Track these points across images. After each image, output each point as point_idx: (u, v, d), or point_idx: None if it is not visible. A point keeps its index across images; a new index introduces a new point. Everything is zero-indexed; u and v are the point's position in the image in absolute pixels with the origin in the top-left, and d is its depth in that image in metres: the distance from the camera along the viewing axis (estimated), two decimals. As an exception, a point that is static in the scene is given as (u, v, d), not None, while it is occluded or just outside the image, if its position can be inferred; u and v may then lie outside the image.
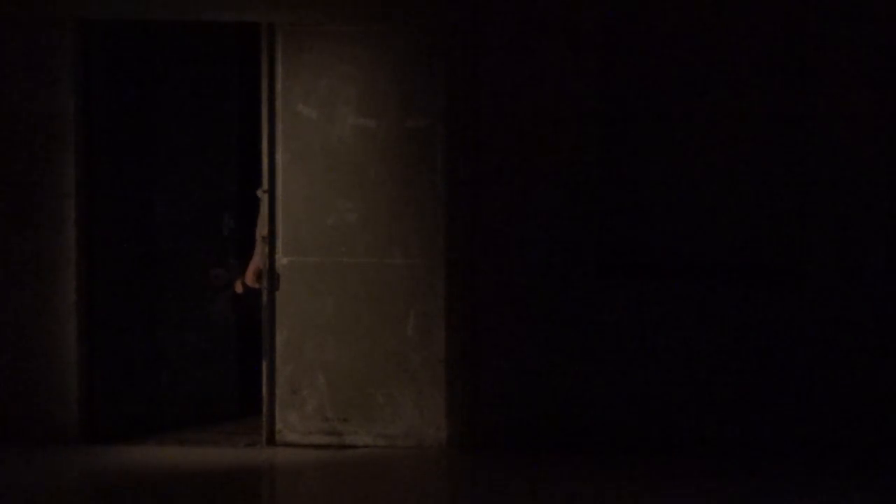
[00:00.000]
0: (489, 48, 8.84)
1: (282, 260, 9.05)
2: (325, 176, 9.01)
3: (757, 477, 8.24)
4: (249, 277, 9.31)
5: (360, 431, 9.02)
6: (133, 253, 9.34)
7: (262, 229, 9.10)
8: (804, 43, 8.78)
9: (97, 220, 9.11)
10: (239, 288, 9.45)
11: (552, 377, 8.85)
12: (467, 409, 8.89)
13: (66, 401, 8.98)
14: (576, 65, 8.82)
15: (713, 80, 8.86)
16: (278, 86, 9.00)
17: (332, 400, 9.03)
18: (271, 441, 9.06)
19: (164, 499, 7.92)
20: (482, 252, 8.88)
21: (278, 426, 9.07)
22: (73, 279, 8.97)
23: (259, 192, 9.07)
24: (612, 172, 8.88)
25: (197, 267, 9.55)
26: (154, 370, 9.44)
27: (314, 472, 8.51)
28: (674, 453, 8.74)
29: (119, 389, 9.25)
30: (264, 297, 9.07)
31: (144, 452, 8.91)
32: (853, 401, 8.76)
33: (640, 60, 8.88)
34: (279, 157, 9.03)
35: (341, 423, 9.03)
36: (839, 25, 8.72)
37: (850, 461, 8.57)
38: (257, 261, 9.22)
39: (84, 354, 9.01)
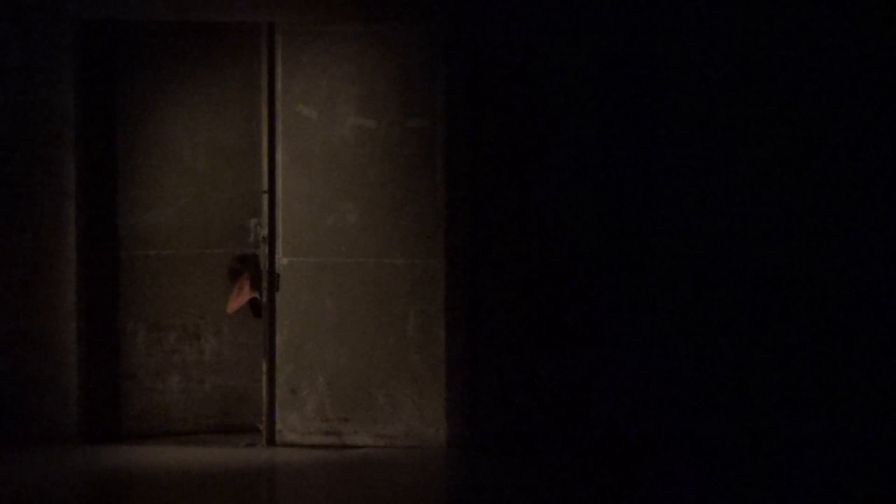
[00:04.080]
0: (489, 48, 8.84)
1: (282, 260, 9.05)
2: (325, 176, 9.01)
3: (757, 477, 8.24)
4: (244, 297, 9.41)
5: (360, 431, 9.02)
6: (134, 255, 9.34)
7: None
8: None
9: (97, 220, 9.12)
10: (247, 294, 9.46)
11: (552, 377, 8.84)
12: (467, 409, 8.88)
13: (66, 401, 8.98)
14: (576, 64, 8.82)
15: (714, 79, 8.86)
16: (278, 86, 9.01)
17: (332, 400, 9.03)
18: (271, 441, 9.06)
19: (163, 499, 7.92)
20: (482, 252, 8.88)
21: (278, 426, 9.06)
22: (72, 280, 8.97)
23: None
24: (612, 172, 8.87)
25: (205, 270, 9.54)
26: (159, 373, 9.43)
27: (314, 472, 8.50)
28: (675, 453, 8.73)
29: (119, 390, 9.25)
30: (264, 298, 9.08)
31: (144, 452, 8.91)
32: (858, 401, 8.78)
33: (641, 60, 8.87)
34: (279, 157, 9.03)
35: (341, 424, 9.03)
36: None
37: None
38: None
39: (84, 354, 9.01)
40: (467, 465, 8.65)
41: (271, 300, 9.04)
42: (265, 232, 9.05)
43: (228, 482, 8.27)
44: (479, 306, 8.89)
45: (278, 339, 9.05)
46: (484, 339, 8.88)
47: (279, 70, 9.01)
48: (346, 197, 9.01)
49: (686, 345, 8.81)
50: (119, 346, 9.29)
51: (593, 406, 8.83)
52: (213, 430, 9.50)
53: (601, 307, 8.84)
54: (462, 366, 8.89)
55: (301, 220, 9.03)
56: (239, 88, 9.51)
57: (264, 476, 8.60)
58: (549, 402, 8.85)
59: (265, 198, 9.04)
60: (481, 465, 8.61)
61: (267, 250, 9.04)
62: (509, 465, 8.56)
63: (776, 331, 8.79)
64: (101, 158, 9.15)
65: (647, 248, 8.90)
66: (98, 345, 9.14)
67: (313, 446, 9.01)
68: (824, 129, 8.79)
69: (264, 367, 9.07)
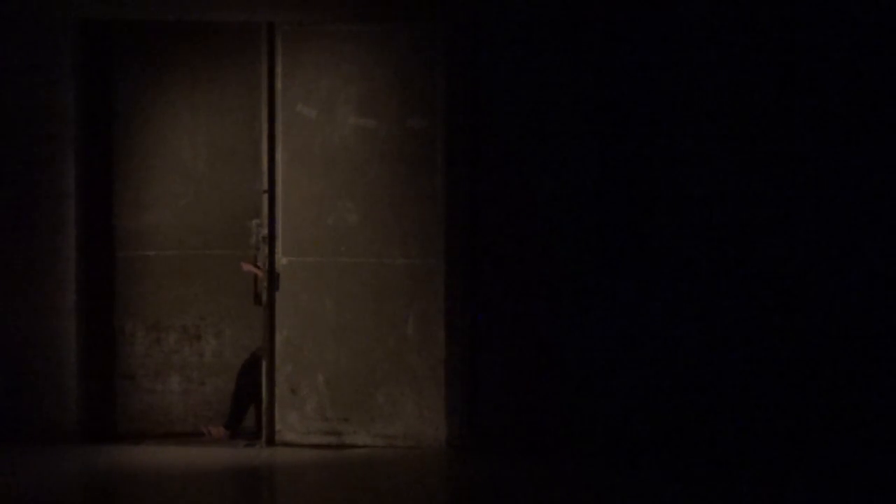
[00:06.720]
0: (489, 47, 8.85)
1: (282, 260, 9.05)
2: (325, 176, 9.01)
3: (757, 476, 8.24)
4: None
5: (359, 431, 9.02)
6: (134, 255, 9.34)
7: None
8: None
9: (97, 220, 9.12)
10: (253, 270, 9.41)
11: (551, 377, 8.84)
12: (467, 409, 8.88)
13: (66, 401, 8.98)
14: (576, 64, 8.83)
15: (713, 79, 8.86)
16: (278, 85, 9.01)
17: (332, 400, 9.02)
18: (271, 441, 9.05)
19: (163, 499, 7.91)
20: (482, 252, 8.88)
21: (278, 426, 9.06)
22: (72, 280, 8.97)
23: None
24: (611, 172, 8.87)
25: (206, 271, 9.53)
26: (159, 374, 9.43)
27: (314, 472, 8.50)
28: (674, 453, 8.73)
29: (119, 391, 9.26)
30: (264, 297, 9.08)
31: (143, 452, 8.91)
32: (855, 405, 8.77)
33: (640, 60, 8.87)
34: (279, 156, 9.04)
35: (341, 423, 9.03)
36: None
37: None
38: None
39: (84, 354, 9.01)
40: (467, 465, 8.65)
41: (271, 300, 9.04)
42: (265, 232, 9.05)
43: (228, 482, 8.28)
44: (479, 306, 8.88)
45: (278, 339, 9.05)
46: (484, 338, 8.88)
47: (279, 70, 9.02)
48: (346, 197, 9.01)
49: (687, 345, 8.81)
50: (119, 347, 9.29)
51: (592, 406, 8.82)
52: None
53: (601, 307, 8.83)
54: (462, 366, 8.89)
55: (301, 220, 9.03)
56: (239, 88, 9.51)
57: (264, 476, 8.60)
58: (549, 401, 8.84)
59: (265, 198, 9.04)
60: (481, 465, 8.61)
61: (267, 250, 9.05)
62: (509, 465, 8.56)
63: (779, 331, 8.79)
64: (100, 158, 9.16)
65: (648, 247, 8.89)
66: (98, 345, 9.15)
67: (313, 446, 9.01)
68: (824, 127, 8.81)
69: (264, 367, 9.07)
